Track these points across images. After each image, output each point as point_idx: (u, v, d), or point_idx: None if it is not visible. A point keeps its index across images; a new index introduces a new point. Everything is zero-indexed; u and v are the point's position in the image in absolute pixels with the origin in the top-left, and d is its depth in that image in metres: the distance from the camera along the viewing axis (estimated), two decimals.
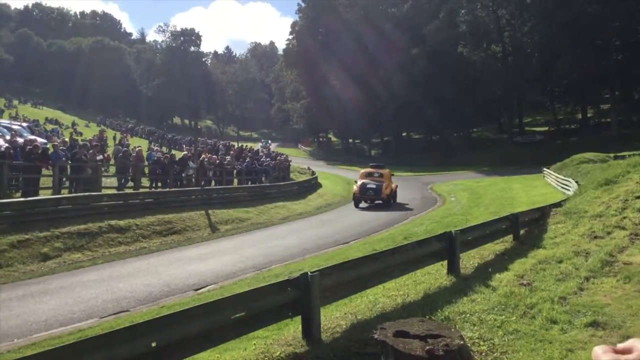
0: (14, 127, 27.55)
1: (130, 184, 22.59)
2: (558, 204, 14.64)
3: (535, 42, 57.43)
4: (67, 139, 31.22)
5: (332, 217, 25.17)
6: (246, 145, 50.14)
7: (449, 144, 65.90)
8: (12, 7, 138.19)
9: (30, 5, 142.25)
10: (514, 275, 8.33)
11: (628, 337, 0.96)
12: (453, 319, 6.31)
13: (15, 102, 77.67)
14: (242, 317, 5.28)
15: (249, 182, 30.10)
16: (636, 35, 52.34)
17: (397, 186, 29.79)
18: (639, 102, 59.92)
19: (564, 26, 51.21)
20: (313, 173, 41.16)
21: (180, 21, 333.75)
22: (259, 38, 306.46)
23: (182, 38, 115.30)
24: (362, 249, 14.69)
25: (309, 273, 5.86)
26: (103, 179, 21.28)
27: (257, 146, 63.24)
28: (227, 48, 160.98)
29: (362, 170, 30.42)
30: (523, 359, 5.23)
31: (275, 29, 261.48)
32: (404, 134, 79.58)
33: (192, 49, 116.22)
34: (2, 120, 33.96)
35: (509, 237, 11.45)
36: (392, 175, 30.50)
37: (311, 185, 35.48)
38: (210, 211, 21.27)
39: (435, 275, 8.93)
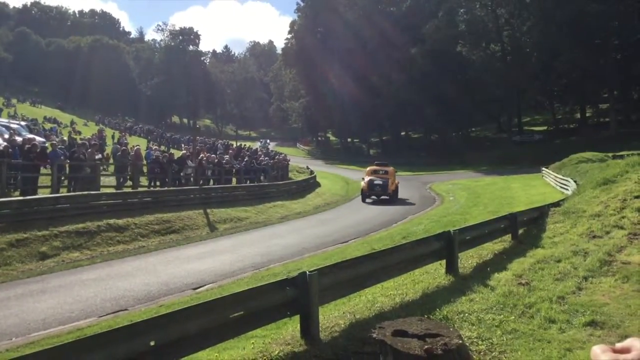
0: (12, 125, 27.57)
1: (129, 182, 22.58)
2: (557, 204, 14.65)
3: (534, 42, 57.50)
4: (65, 138, 31.24)
5: (331, 216, 25.17)
6: (245, 145, 50.11)
7: (448, 143, 66.02)
8: (11, 6, 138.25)
9: (28, 4, 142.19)
10: (513, 275, 8.33)
11: (626, 337, 0.96)
12: (452, 319, 6.32)
13: (14, 100, 77.48)
14: (241, 316, 5.28)
15: (248, 182, 30.09)
16: (635, 35, 52.37)
17: (398, 182, 31.65)
18: (638, 101, 60.02)
19: (563, 25, 51.26)
20: (312, 172, 41.14)
21: (179, 20, 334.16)
22: (257, 37, 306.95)
23: (180, 37, 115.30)
24: (360, 248, 14.69)
25: (308, 272, 5.86)
26: (102, 178, 21.26)
27: (256, 145, 63.26)
28: (226, 47, 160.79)
29: (368, 168, 32.14)
30: (521, 359, 5.23)
31: (274, 28, 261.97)
32: (402, 133, 79.63)
33: (191, 48, 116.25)
34: (0, 119, 33.95)
35: (508, 237, 11.46)
36: (396, 172, 32.32)
37: (310, 185, 35.47)
38: (208, 210, 21.26)
39: (433, 274, 8.93)
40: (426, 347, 3.59)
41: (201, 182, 24.83)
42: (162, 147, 45.32)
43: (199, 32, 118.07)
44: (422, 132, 77.55)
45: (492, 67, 61.64)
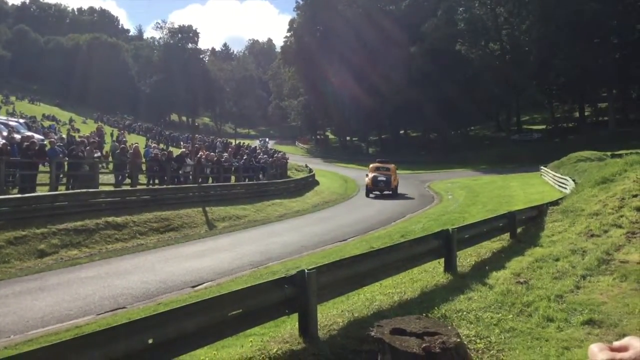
0: (11, 123, 27.58)
1: (128, 180, 22.57)
2: (555, 202, 14.66)
3: (533, 40, 57.50)
4: (64, 136, 31.22)
5: (329, 214, 25.18)
6: (244, 143, 50.11)
7: (447, 142, 65.98)
8: (10, 3, 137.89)
9: (27, 2, 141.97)
10: (511, 274, 8.34)
11: (624, 335, 0.96)
12: (450, 317, 6.32)
13: (13, 98, 77.42)
14: (239, 314, 5.28)
15: (247, 180, 30.07)
16: (634, 34, 52.44)
17: (398, 179, 33.96)
18: (637, 100, 60.10)
19: (562, 24, 51.29)
20: (310, 171, 41.15)
21: (178, 18, 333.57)
22: (256, 35, 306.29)
23: (179, 35, 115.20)
24: (359, 247, 14.71)
25: (306, 270, 5.87)
26: (100, 176, 21.25)
27: (255, 143, 63.22)
28: (225, 45, 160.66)
29: (371, 165, 34.37)
30: (519, 357, 5.24)
31: (273, 26, 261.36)
32: (401, 132, 79.63)
33: (190, 46, 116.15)
34: None
35: (506, 235, 11.47)
36: (397, 169, 34.34)
37: (308, 183, 35.47)
38: (207, 208, 21.25)
39: (432, 273, 8.94)
40: (424, 345, 3.59)
41: (200, 180, 24.82)
42: (161, 145, 45.29)
43: (197, 30, 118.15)
44: (421, 131, 77.55)
45: (491, 66, 61.67)
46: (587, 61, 49.97)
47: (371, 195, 31.93)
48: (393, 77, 64.75)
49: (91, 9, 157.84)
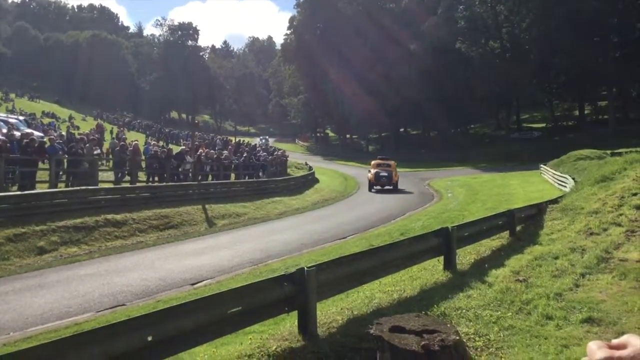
0: (10, 120, 27.54)
1: (127, 178, 22.56)
2: (555, 201, 14.68)
3: (534, 39, 57.47)
4: (64, 133, 31.18)
5: (329, 212, 25.18)
6: (243, 140, 50.08)
7: (447, 140, 65.96)
8: (10, 1, 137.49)
9: None
10: (510, 271, 8.35)
11: (623, 333, 0.96)
12: (449, 315, 6.33)
13: (12, 95, 77.37)
14: (239, 311, 5.28)
15: (246, 177, 30.07)
16: (634, 32, 52.41)
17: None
18: (637, 99, 60.10)
19: (562, 23, 51.23)
20: (310, 168, 41.15)
21: (178, 15, 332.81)
22: (256, 33, 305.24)
23: (179, 32, 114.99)
24: (359, 244, 14.71)
25: (306, 268, 5.87)
26: (100, 173, 21.24)
27: (255, 141, 63.18)
28: (225, 43, 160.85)
29: (373, 162, 36.53)
30: (518, 355, 5.25)
31: (274, 24, 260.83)
32: (401, 130, 79.61)
33: (190, 43, 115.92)
34: None
35: (506, 233, 11.48)
36: (396, 166, 36.07)
37: (308, 181, 35.47)
38: (207, 206, 21.25)
39: (431, 270, 8.94)
40: (423, 343, 3.60)
41: (200, 177, 24.82)
42: (161, 143, 45.25)
43: (197, 28, 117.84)
44: (421, 129, 77.56)
45: (492, 64, 61.61)
46: (587, 59, 49.93)
47: (372, 190, 33.42)
48: (393, 75, 64.75)
49: (91, 6, 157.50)
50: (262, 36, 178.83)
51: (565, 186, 22.51)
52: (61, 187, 18.85)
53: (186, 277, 12.03)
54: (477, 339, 5.64)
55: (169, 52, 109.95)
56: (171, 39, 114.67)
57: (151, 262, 13.51)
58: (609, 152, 30.63)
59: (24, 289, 10.55)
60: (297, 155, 58.12)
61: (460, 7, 67.64)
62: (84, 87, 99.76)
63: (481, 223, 10.67)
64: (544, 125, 66.28)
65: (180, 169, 24.83)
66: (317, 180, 37.21)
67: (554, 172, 28.66)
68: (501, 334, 5.76)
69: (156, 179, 23.78)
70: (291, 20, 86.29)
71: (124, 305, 9.87)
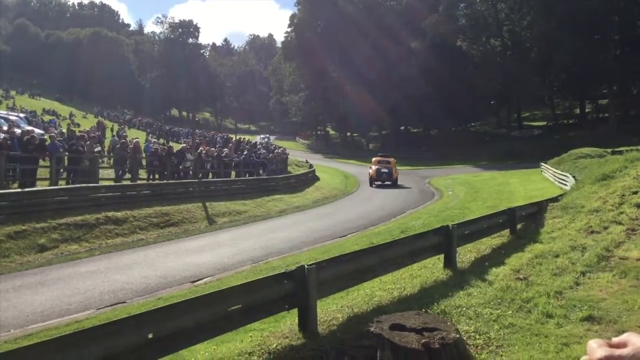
0: (11, 117, 27.53)
1: (128, 175, 22.57)
2: (555, 199, 14.67)
3: (534, 36, 57.43)
4: (64, 130, 31.20)
5: (330, 210, 25.19)
6: (244, 138, 50.05)
7: (447, 138, 65.92)
8: None
9: None
10: (511, 270, 8.35)
11: (623, 332, 0.96)
12: (449, 313, 6.33)
13: (13, 92, 77.31)
14: (239, 309, 5.28)
15: (247, 175, 30.06)
16: (635, 30, 52.33)
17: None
18: (637, 97, 59.98)
19: (563, 20, 51.16)
20: (311, 166, 41.16)
21: (179, 13, 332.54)
22: (257, 30, 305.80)
23: (180, 30, 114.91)
24: (359, 242, 14.70)
25: (306, 266, 5.87)
26: (100, 171, 21.24)
27: (256, 138, 63.16)
28: (226, 40, 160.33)
29: (374, 159, 38.48)
30: (519, 353, 5.25)
31: (274, 22, 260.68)
32: (402, 128, 79.54)
33: (191, 40, 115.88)
34: None
35: (506, 232, 11.48)
36: (397, 165, 37.56)
37: (309, 179, 35.48)
38: (207, 203, 21.25)
39: (431, 269, 8.94)
40: (423, 341, 3.60)
41: (200, 175, 24.82)
42: (161, 140, 45.25)
43: (198, 25, 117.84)
44: (422, 127, 77.50)
45: (492, 62, 61.55)
46: (588, 57, 49.88)
47: (373, 185, 35.15)
48: (394, 73, 64.68)
49: (92, 3, 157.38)
50: (263, 34, 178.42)
51: (565, 184, 22.49)
52: (62, 184, 18.86)
53: (186, 274, 12.04)
54: (477, 337, 5.64)
55: (169, 50, 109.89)
56: (172, 36, 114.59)
57: (152, 259, 13.52)
58: (609, 150, 30.62)
59: (24, 287, 10.56)
60: (297, 153, 58.13)
61: (462, 4, 67.50)
62: (84, 85, 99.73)
63: (482, 221, 10.66)
64: (544, 123, 66.23)
65: (180, 167, 24.83)
66: (317, 178, 37.22)
67: (554, 170, 28.64)
68: (501, 332, 5.76)
69: (157, 176, 23.78)
70: (292, 17, 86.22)
71: (124, 302, 9.87)
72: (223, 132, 73.99)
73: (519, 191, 26.16)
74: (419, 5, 68.49)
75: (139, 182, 21.63)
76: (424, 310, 5.56)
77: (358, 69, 68.22)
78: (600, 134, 48.59)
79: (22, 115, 33.73)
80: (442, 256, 8.86)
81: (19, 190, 16.02)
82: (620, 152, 23.30)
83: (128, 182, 21.18)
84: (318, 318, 6.00)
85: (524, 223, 12.49)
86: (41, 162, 19.18)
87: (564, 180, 24.13)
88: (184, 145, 28.84)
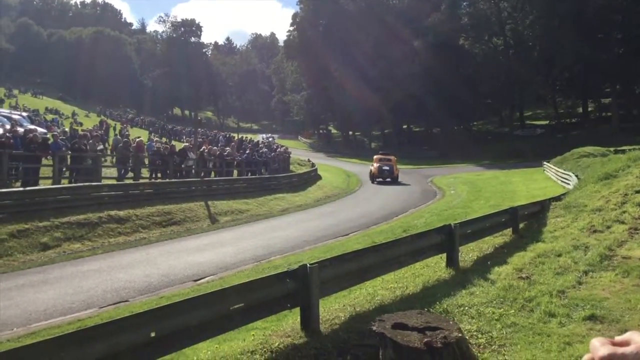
0: (14, 116, 27.58)
1: (130, 174, 22.59)
2: (558, 198, 14.65)
3: (537, 35, 57.30)
4: (67, 129, 31.26)
5: (332, 209, 25.18)
6: (246, 137, 50.08)
7: (450, 137, 65.83)
8: None
9: None
10: (513, 269, 8.34)
11: (626, 331, 0.95)
12: (451, 312, 6.33)
13: (16, 91, 77.46)
14: (241, 308, 5.29)
15: (249, 174, 30.08)
16: (638, 29, 52.13)
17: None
18: None
19: (566, 19, 51.04)
20: (313, 165, 41.17)
21: (181, 12, 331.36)
22: (259, 29, 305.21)
23: (182, 29, 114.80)
24: (361, 241, 14.71)
25: (308, 265, 5.87)
26: (103, 169, 21.27)
27: (258, 137, 63.18)
28: (228, 39, 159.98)
29: (376, 157, 39.47)
30: (521, 352, 5.24)
31: (276, 21, 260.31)
32: (404, 127, 79.45)
33: (193, 39, 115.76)
34: (2, 110, 33.93)
35: (509, 231, 11.46)
36: (398, 164, 38.60)
37: (311, 177, 35.48)
38: (209, 202, 21.27)
39: (434, 268, 8.94)
40: (426, 340, 3.60)
41: (202, 174, 24.84)
42: (164, 139, 45.30)
43: (200, 24, 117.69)
44: (424, 126, 77.40)
45: (495, 61, 61.43)
46: (591, 56, 49.73)
47: (375, 182, 36.40)
48: (396, 72, 64.55)
49: (94, 3, 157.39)
50: (265, 33, 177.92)
51: (568, 183, 22.45)
52: (64, 183, 18.89)
53: (189, 273, 12.05)
54: (479, 336, 5.64)
55: (172, 49, 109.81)
56: (174, 35, 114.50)
57: (154, 258, 13.53)
58: (612, 149, 30.55)
59: (27, 285, 10.58)
60: (299, 152, 58.12)
61: (464, 3, 67.35)
62: (87, 84, 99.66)
63: (484, 220, 10.66)
64: (547, 122, 66.09)
65: (183, 166, 24.85)
66: (319, 177, 37.22)
67: (557, 169, 28.59)
68: (504, 331, 5.76)
69: (159, 175, 23.82)
70: (294, 16, 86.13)
71: (127, 301, 9.89)
72: (225, 131, 74.04)
73: (521, 190, 26.13)
74: (421, 3, 68.34)
75: (141, 181, 21.66)
76: (426, 309, 5.55)
77: (360, 68, 68.13)
78: (602, 133, 48.49)
79: (24, 114, 33.82)
80: (444, 255, 8.86)
81: (21, 189, 16.04)
82: (623, 151, 23.27)
83: (130, 181, 21.19)
84: (320, 317, 6.00)
85: (526, 222, 12.49)
86: (44, 161, 19.22)
87: (566, 179, 24.08)
88: (187, 144, 28.86)
